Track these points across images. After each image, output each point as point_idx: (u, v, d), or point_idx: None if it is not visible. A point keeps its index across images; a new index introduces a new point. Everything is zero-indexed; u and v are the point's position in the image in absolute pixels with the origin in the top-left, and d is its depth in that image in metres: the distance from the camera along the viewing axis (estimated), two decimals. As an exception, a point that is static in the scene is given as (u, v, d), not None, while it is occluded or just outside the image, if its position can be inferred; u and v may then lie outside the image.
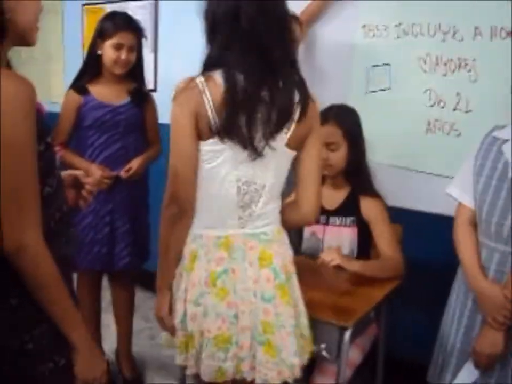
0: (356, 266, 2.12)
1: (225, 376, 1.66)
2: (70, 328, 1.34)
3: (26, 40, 1.33)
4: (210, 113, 1.56)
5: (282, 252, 1.73)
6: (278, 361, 1.64)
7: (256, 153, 1.59)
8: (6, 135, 1.16)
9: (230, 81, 1.55)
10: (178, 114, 1.60)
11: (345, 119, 2.27)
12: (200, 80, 1.58)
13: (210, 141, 1.59)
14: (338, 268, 2.12)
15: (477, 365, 1.83)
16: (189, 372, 1.72)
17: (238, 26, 1.55)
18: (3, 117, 1.15)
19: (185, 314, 1.68)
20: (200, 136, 1.60)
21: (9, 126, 1.16)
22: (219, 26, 1.59)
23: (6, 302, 1.27)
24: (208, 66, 1.62)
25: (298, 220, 1.84)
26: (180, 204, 1.63)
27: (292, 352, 1.66)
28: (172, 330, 1.73)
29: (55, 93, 4.34)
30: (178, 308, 1.69)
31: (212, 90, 1.57)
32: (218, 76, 1.57)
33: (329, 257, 2.14)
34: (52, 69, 4.60)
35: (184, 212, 1.65)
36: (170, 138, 1.61)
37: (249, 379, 1.68)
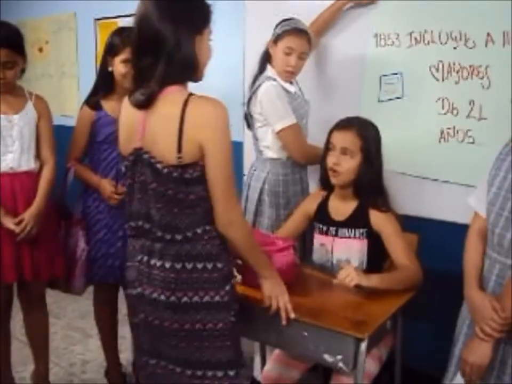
0: (374, 282, 2.07)
1: None
2: (263, 268, 1.87)
3: (200, 76, 1.74)
4: None
5: None
6: None
7: None
8: (227, 140, 1.67)
9: None
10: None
11: (367, 133, 2.25)
12: None
13: None
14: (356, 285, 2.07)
15: (462, 373, 1.82)
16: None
17: None
18: (223, 129, 1.66)
19: None
20: None
21: (227, 134, 1.67)
22: None
23: (215, 266, 1.74)
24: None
25: None
26: None
27: None
28: None
29: (69, 107, 4.39)
30: None
31: None
32: None
33: (346, 277, 2.04)
34: (66, 83, 4.65)
35: None
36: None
37: None
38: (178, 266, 1.71)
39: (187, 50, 1.63)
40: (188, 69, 1.66)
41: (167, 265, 1.72)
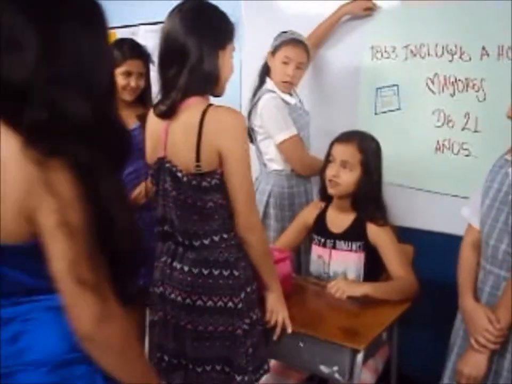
0: (364, 289, 2.09)
1: None
2: (272, 279, 1.87)
3: (221, 91, 1.80)
4: None
5: None
6: None
7: None
8: (246, 147, 1.72)
9: None
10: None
11: (367, 147, 2.27)
12: None
13: None
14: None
15: None
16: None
17: None
18: (242, 137, 1.72)
19: None
20: None
21: (246, 141, 1.75)
22: None
23: (232, 273, 1.77)
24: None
25: None
26: None
27: None
28: None
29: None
30: None
31: None
32: None
33: (335, 290, 2.08)
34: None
35: None
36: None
37: None
38: (196, 271, 1.78)
39: (210, 64, 1.70)
40: (210, 82, 1.74)
41: (186, 268, 1.79)
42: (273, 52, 2.63)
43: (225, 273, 1.78)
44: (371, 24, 2.76)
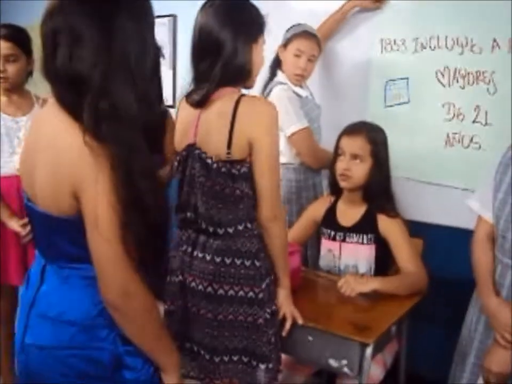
0: (374, 284, 2.07)
1: None
2: (285, 275, 1.87)
3: (251, 83, 1.83)
4: None
5: None
6: None
7: None
8: (277, 139, 1.76)
9: None
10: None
11: (376, 138, 2.26)
12: None
13: None
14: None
15: (486, 382, 1.80)
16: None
17: None
18: (274, 128, 1.73)
19: None
20: None
21: (277, 133, 1.76)
22: None
23: (253, 264, 1.78)
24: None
25: None
26: None
27: None
28: None
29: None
30: None
31: None
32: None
33: (345, 289, 2.06)
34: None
35: None
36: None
37: None
38: (218, 259, 1.79)
39: (243, 57, 1.74)
40: (243, 74, 1.78)
41: (208, 257, 1.80)
42: (285, 44, 2.63)
43: (247, 263, 1.79)
44: (381, 17, 2.75)
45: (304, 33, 2.60)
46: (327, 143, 2.47)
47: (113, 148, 1.15)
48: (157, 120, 1.29)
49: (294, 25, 2.64)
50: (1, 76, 2.46)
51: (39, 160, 1.25)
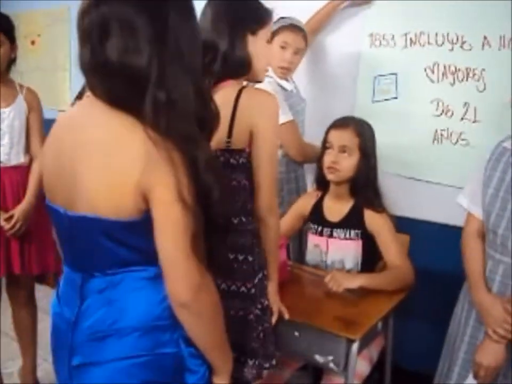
0: (360, 281, 2.09)
1: None
2: (275, 269, 1.82)
3: (257, 77, 1.81)
4: None
5: None
6: None
7: None
8: (277, 130, 1.75)
9: None
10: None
11: (364, 131, 2.28)
12: None
13: None
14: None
15: (475, 376, 1.81)
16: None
17: None
18: (275, 119, 1.73)
19: None
20: None
21: (277, 124, 1.75)
22: None
23: (246, 258, 1.75)
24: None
25: None
26: None
27: None
28: None
29: (61, 101, 4.35)
30: None
31: None
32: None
33: (332, 284, 2.07)
34: (58, 77, 4.61)
35: None
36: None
37: None
38: None
39: (240, 50, 1.73)
40: (242, 67, 1.76)
41: None
42: (272, 36, 2.60)
43: (240, 257, 1.77)
44: (370, 11, 2.74)
45: (291, 26, 2.58)
46: (315, 137, 2.46)
47: (175, 141, 1.13)
48: (212, 117, 1.28)
49: (280, 18, 2.62)
50: None
51: (86, 165, 1.18)
